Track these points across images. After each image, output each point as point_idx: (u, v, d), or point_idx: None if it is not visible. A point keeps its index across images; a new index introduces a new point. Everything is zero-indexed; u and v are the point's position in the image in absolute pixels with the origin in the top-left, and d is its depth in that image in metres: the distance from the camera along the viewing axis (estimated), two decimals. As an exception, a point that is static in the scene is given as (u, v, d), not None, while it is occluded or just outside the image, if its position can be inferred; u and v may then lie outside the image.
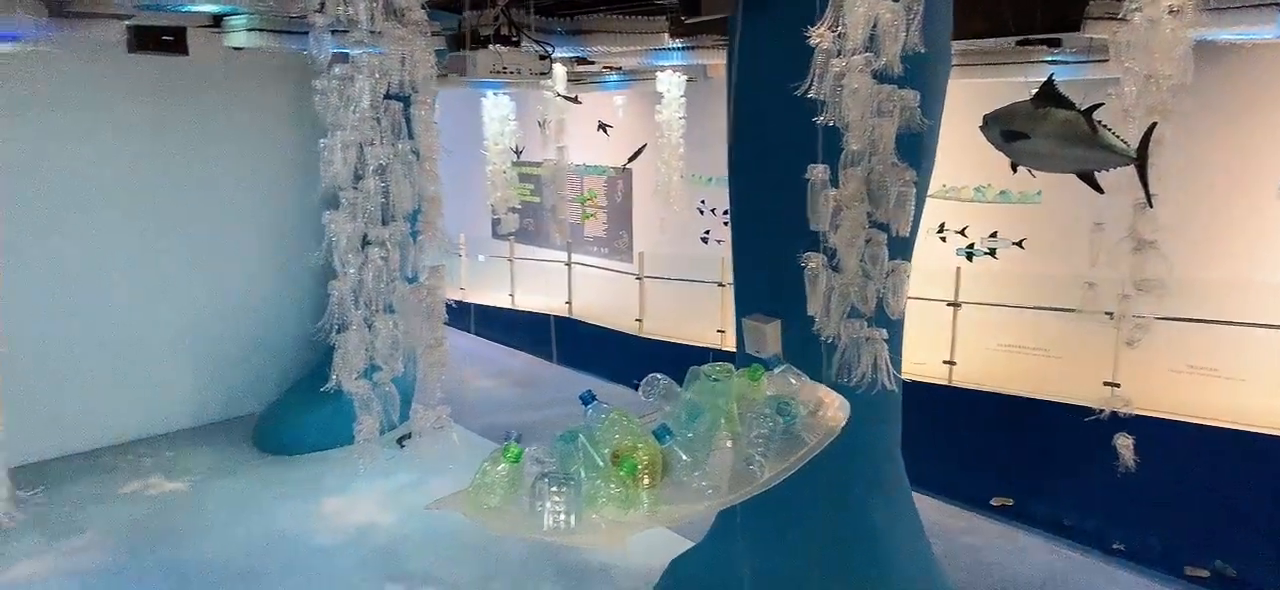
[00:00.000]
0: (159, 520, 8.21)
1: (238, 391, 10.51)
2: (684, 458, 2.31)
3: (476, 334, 14.37)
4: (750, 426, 2.44)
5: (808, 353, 3.78)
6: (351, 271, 4.09)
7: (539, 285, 13.94)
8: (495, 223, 11.36)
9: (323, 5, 3.61)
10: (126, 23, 6.53)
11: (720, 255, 10.73)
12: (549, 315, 13.23)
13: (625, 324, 11.99)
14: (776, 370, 2.82)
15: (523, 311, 13.79)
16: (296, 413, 9.74)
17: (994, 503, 8.03)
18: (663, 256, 11.71)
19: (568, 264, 13.17)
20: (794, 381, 2.79)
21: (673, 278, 11.51)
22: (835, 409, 2.79)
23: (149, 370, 9.96)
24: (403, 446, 7.37)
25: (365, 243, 4.09)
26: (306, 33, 7.00)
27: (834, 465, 3.02)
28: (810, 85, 3.52)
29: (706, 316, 10.92)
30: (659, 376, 2.85)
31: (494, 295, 14.27)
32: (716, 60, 8.64)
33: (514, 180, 10.55)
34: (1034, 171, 6.33)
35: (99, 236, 9.44)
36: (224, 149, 10.13)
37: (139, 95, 9.43)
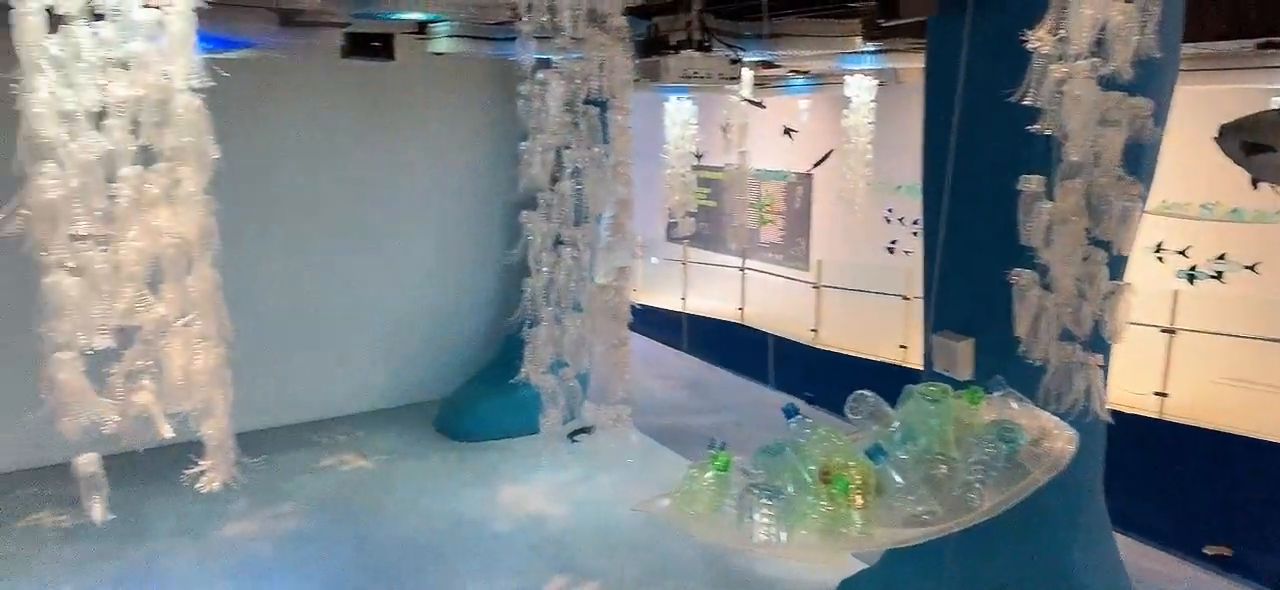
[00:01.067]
0: (351, 494, 8.92)
1: (424, 378, 11.22)
2: (898, 480, 2.24)
3: (646, 335, 14.65)
4: (969, 452, 2.33)
5: (1008, 375, 3.58)
6: (544, 269, 4.28)
7: (711, 290, 14.01)
8: (671, 226, 11.53)
9: (528, 12, 3.79)
10: (344, 30, 7.14)
11: (906, 267, 10.36)
12: (720, 320, 13.26)
13: (799, 333, 11.82)
14: (996, 394, 2.68)
15: (694, 315, 13.89)
16: (476, 402, 10.29)
17: (1208, 551, 7.31)
18: (842, 265, 11.45)
19: (742, 270, 13.14)
20: (1015, 406, 2.64)
21: (853, 288, 11.22)
22: (1062, 439, 2.61)
23: (347, 354, 10.82)
24: (575, 441, 7.61)
25: (558, 242, 4.26)
26: (503, 39, 7.46)
27: (1031, 498, 2.85)
28: (1026, 91, 3.33)
29: (888, 330, 10.58)
30: (866, 394, 2.77)
31: (665, 297, 14.48)
32: (910, 63, 8.36)
33: (692, 184, 10.65)
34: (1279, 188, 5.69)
35: (310, 228, 10.35)
36: (422, 148, 10.85)
37: (348, 97, 10.26)
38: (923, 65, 5.48)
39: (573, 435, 7.61)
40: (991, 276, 3.80)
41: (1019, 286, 3.62)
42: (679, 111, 10.26)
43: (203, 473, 3.90)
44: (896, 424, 2.49)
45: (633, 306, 4.50)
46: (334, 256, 10.51)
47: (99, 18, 3.33)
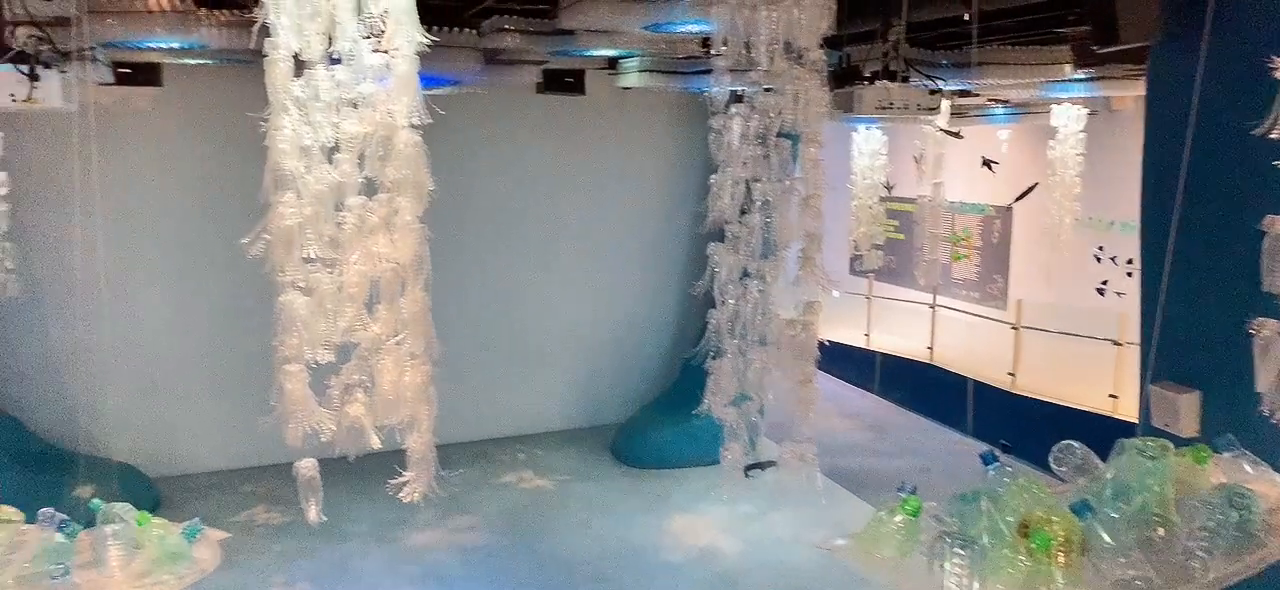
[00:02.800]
0: (528, 513, 9.33)
1: (601, 402, 11.58)
2: (1106, 539, 2.12)
3: (826, 371, 14.37)
4: (1192, 516, 2.17)
5: (1241, 435, 3.27)
6: (730, 302, 4.35)
7: (897, 327, 13.59)
8: (855, 259, 11.31)
9: (724, 46, 3.91)
10: (542, 68, 7.60)
11: (1119, 310, 9.65)
12: (907, 359, 12.82)
13: (995, 376, 11.23)
14: (1227, 454, 2.47)
15: (878, 352, 13.51)
16: (652, 429, 10.50)
17: None
18: (1044, 306, 10.80)
19: (932, 306, 12.68)
20: (1250, 470, 2.42)
21: (1057, 330, 10.56)
22: (1308, 512, 2.37)
23: (529, 375, 11.34)
24: (750, 476, 7.61)
25: (745, 275, 4.33)
26: (691, 73, 7.67)
27: (1266, 574, 2.59)
28: (1273, 123, 3.06)
29: (1096, 377, 9.86)
30: (1073, 445, 2.63)
31: (848, 333, 14.18)
32: (1125, 91, 7.83)
33: (880, 216, 10.43)
34: None
35: (497, 253, 10.92)
36: (608, 178, 11.26)
37: (541, 131, 10.80)
38: (1141, 93, 5.14)
39: (749, 469, 7.61)
40: (1224, 325, 3.51)
41: (1261, 337, 3.30)
42: (868, 141, 10.09)
43: (406, 483, 4.24)
44: (1108, 479, 2.34)
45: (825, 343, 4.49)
46: (519, 281, 11.09)
47: (336, 62, 3.75)
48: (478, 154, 10.56)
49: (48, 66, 4.42)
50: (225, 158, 9.60)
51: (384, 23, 3.71)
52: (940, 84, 6.16)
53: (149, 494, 9.17)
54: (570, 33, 6.67)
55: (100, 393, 9.83)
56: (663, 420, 10.42)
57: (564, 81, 8.21)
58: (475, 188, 10.62)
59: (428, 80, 7.39)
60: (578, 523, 9.05)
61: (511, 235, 10.95)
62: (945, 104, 8.07)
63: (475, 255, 10.74)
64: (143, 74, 7.98)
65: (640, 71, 7.59)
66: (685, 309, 11.21)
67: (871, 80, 5.38)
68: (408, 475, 4.26)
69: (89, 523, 5.72)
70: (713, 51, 4.04)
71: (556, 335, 11.35)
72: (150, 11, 6.29)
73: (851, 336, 14.03)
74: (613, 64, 8.09)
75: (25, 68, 4.29)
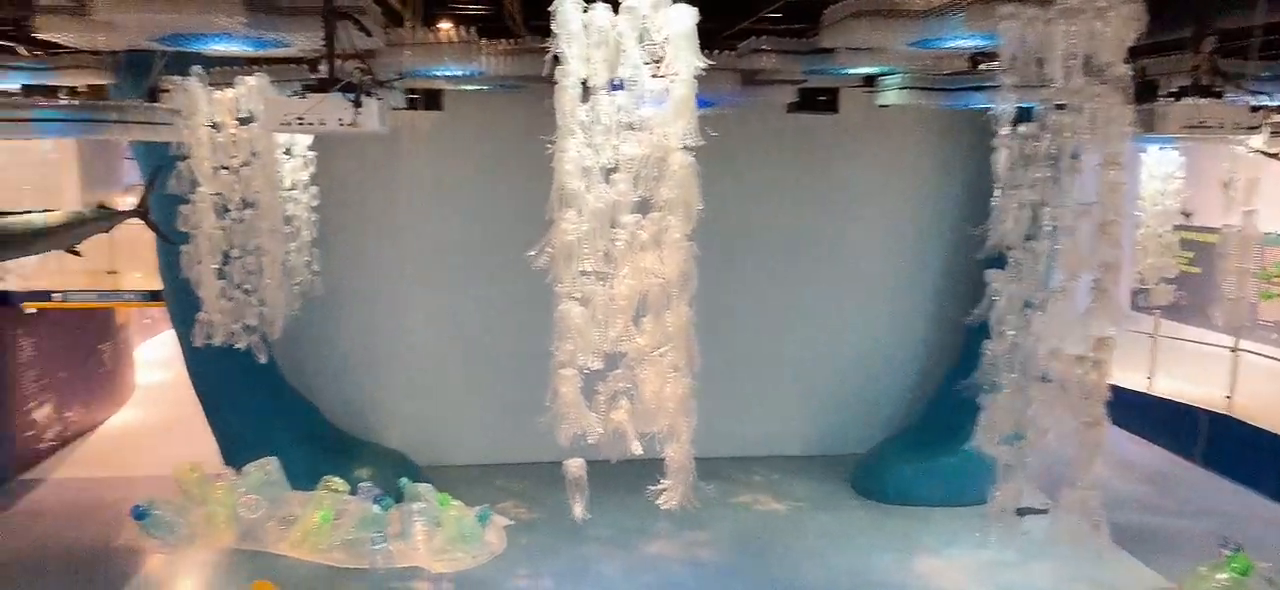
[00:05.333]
0: (762, 536, 9.35)
1: (842, 430, 11.38)
2: None
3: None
4: None
5: None
6: (1009, 334, 4.17)
7: (1186, 371, 12.19)
8: (1139, 292, 10.33)
9: (1012, 64, 3.77)
10: (797, 86, 7.66)
11: None
12: (1199, 408, 11.46)
13: (1311, 436, 9.81)
14: None
15: (1163, 398, 12.18)
16: (897, 463, 10.17)
17: None
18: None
19: (1233, 350, 11.28)
20: None
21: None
22: None
23: (768, 396, 11.37)
24: (1022, 520, 7.20)
25: (1027, 305, 4.13)
26: (957, 90, 7.40)
27: None
28: None
29: None
30: None
31: (1126, 374, 12.90)
32: None
33: (1173, 246, 9.46)
34: None
35: (743, 273, 10.98)
36: (860, 200, 11.08)
37: (790, 150, 10.83)
38: None
39: (1023, 512, 7.21)
40: None
41: None
42: (1160, 163, 9.21)
43: (664, 491, 4.44)
44: None
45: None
46: (761, 301, 11.14)
47: (617, 87, 4.03)
48: (724, 175, 10.71)
49: (369, 94, 5.09)
50: (493, 176, 10.51)
51: (665, 49, 3.94)
52: (1264, 100, 5.49)
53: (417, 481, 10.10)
54: (829, 51, 6.67)
55: (379, 386, 11.07)
56: (909, 454, 10.07)
57: (817, 100, 8.22)
58: (720, 208, 10.77)
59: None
60: (812, 552, 8.95)
61: (755, 255, 11.04)
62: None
63: (717, 274, 10.86)
64: (427, 100, 8.95)
65: (901, 89, 7.43)
66: (937, 337, 10.77)
67: (1177, 96, 4.90)
68: (666, 483, 4.47)
69: (397, 499, 6.42)
70: (999, 67, 3.90)
71: (797, 358, 11.31)
72: (441, 43, 7.02)
73: (1129, 378, 12.74)
74: (869, 82, 7.98)
75: (352, 95, 4.97)
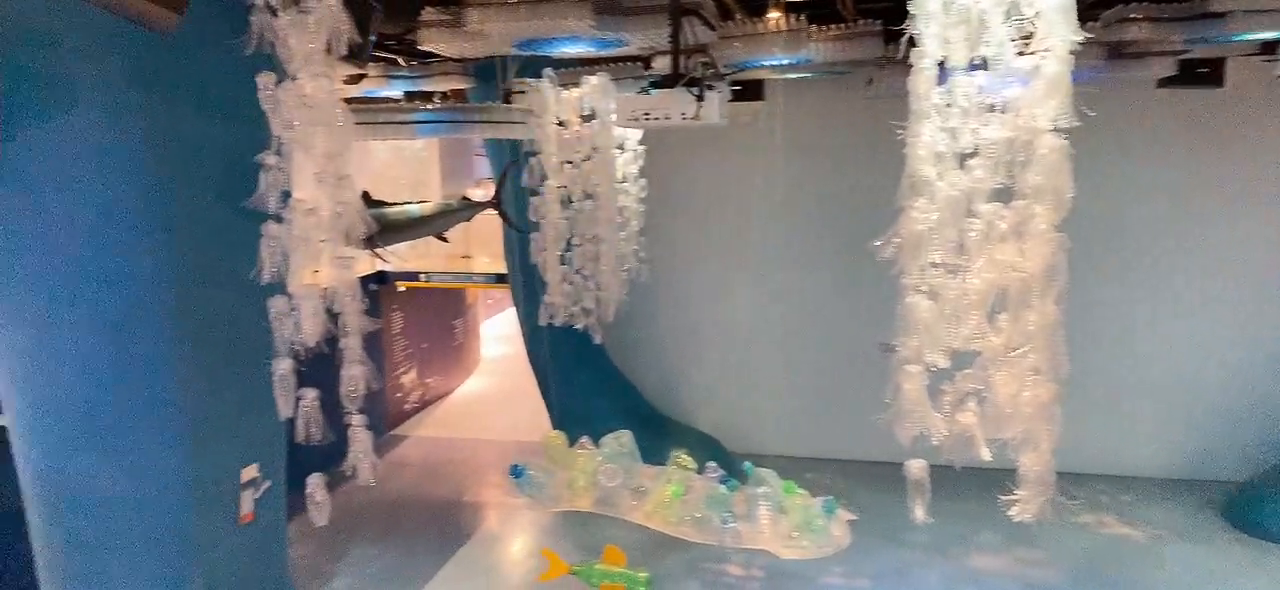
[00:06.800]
0: (1107, 561, 8.47)
1: (1214, 452, 9.99)
2: None
3: None
4: None
5: None
6: None
7: None
8: None
9: None
10: (1177, 58, 6.78)
11: None
12: None
13: None
14: None
15: None
16: (1284, 495, 8.76)
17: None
18: None
19: None
20: None
21: None
22: None
23: (1126, 409, 10.22)
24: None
25: None
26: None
27: None
28: None
29: None
30: None
31: None
32: None
33: None
34: None
35: (1109, 269, 9.94)
36: (1252, 188, 9.57)
37: (1161, 132, 9.64)
38: None
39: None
40: None
41: None
42: None
43: (1018, 502, 4.17)
44: None
45: None
46: (1126, 298, 10.02)
47: (977, 67, 3.82)
48: (1083, 159, 9.76)
49: (711, 88, 5.27)
50: (814, 164, 10.47)
51: (1034, 24, 3.67)
52: None
53: (730, 469, 10.38)
54: (1220, 16, 5.85)
55: (696, 370, 11.50)
56: (1300, 486, 8.64)
57: (1197, 72, 7.23)
58: (1078, 196, 9.83)
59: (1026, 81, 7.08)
60: (1177, 587, 7.96)
61: (1118, 248, 9.90)
62: None
63: (1074, 269, 9.96)
64: (750, 90, 9.10)
65: (1312, 54, 6.33)
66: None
67: None
68: (1020, 493, 4.19)
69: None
70: None
71: (1165, 366, 10.04)
72: (769, 33, 7.07)
73: None
74: (1269, 49, 6.88)
75: (696, 90, 5.17)
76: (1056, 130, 3.75)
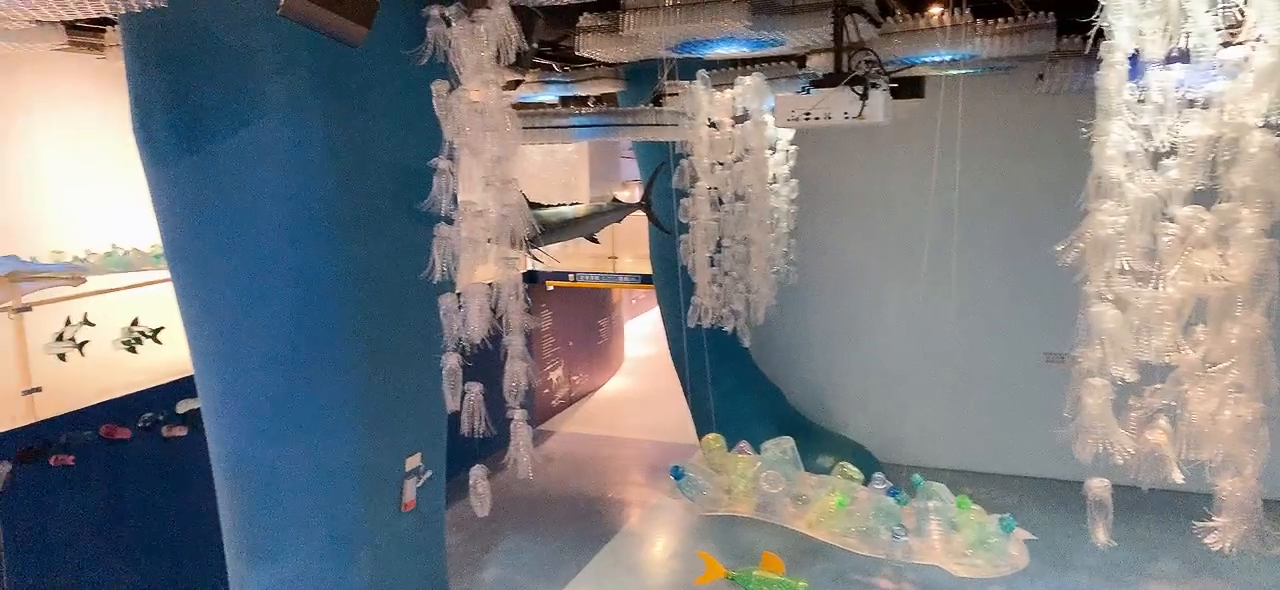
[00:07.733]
0: (1311, 600, 7.74)
1: None
2: None
3: None
4: None
5: None
6: None
7: None
8: None
9: None
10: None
11: None
12: None
13: None
14: None
15: None
16: None
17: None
18: None
19: None
20: None
21: None
22: None
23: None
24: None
25: None
26: None
27: None
28: None
29: None
30: None
31: None
32: None
33: None
34: None
35: None
36: None
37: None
38: None
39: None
40: None
41: None
42: None
43: (1215, 529, 3.87)
44: None
45: None
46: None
47: (1174, 60, 3.55)
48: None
49: (875, 85, 5.14)
50: (979, 164, 10.02)
51: (1243, 11, 3.39)
52: None
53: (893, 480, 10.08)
54: None
55: (844, 376, 11.25)
56: None
57: None
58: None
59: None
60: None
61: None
62: None
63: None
64: (908, 87, 8.79)
65: None
66: None
67: None
68: (1220, 520, 3.88)
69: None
70: None
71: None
72: (932, 28, 6.84)
73: None
74: None
75: (860, 89, 5.06)
76: (1269, 126, 3.44)
